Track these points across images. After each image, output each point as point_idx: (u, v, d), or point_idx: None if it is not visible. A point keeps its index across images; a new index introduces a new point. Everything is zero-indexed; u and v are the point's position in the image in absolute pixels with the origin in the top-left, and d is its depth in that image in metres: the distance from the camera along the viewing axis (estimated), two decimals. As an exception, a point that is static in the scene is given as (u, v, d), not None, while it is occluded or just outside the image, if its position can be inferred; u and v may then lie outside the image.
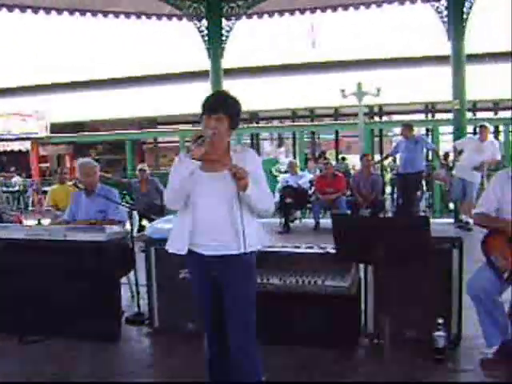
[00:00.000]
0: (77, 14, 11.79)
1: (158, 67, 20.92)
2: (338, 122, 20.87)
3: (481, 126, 9.95)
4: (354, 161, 17.71)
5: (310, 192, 10.97)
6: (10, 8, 11.12)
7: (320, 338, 4.28)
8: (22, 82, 22.35)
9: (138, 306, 5.26)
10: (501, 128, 17.70)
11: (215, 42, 12.08)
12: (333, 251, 3.76)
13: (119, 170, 19.11)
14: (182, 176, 3.00)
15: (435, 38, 13.05)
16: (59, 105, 20.31)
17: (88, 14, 11.95)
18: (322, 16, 13.84)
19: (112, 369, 4.30)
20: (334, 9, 12.53)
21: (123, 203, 5.74)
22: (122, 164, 19.53)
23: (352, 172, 14.51)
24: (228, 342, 3.10)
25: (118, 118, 20.38)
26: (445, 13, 11.23)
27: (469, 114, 15.01)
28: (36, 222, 6.64)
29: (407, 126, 10.52)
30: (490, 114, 19.61)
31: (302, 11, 12.66)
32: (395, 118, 21.52)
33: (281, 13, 12.68)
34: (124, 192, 11.78)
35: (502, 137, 17.32)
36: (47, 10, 11.51)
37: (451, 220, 10.98)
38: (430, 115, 20.55)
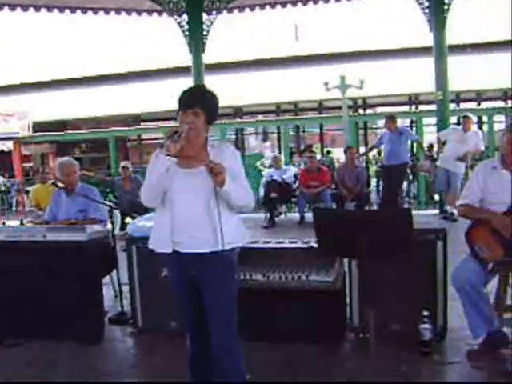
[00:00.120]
0: (55, 10, 11.63)
1: (139, 64, 20.78)
2: (323, 115, 20.83)
3: (464, 117, 9.95)
4: (339, 154, 17.70)
5: (294, 186, 10.92)
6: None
7: (305, 333, 4.24)
8: (3, 81, 22.10)
9: (121, 305, 5.20)
10: (484, 118, 17.74)
11: (196, 37, 12.01)
12: (316, 245, 3.71)
13: (103, 168, 18.96)
14: (158, 172, 2.94)
15: (417, 29, 13.04)
16: (41, 104, 20.14)
17: (67, 11, 11.80)
18: (304, 9, 13.80)
19: (95, 370, 4.22)
20: (316, 1, 12.48)
21: (104, 202, 5.64)
22: (107, 162, 19.36)
23: (337, 165, 14.48)
24: (210, 339, 3.06)
25: (101, 115, 20.22)
26: (426, 4, 11.22)
27: (452, 105, 15.06)
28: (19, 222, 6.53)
29: (391, 118, 10.50)
30: (474, 105, 19.66)
31: (284, 4, 12.62)
32: (379, 110, 21.53)
33: (262, 6, 12.64)
34: (107, 190, 11.70)
35: (485, 127, 17.35)
36: (25, 7, 11.38)
37: (436, 211, 10.98)
38: (413, 107, 20.58)
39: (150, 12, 12.59)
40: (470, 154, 9.66)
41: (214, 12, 12.03)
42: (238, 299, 3.15)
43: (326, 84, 14.22)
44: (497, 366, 3.81)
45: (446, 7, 10.99)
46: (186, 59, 12.65)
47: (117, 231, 6.50)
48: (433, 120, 12.27)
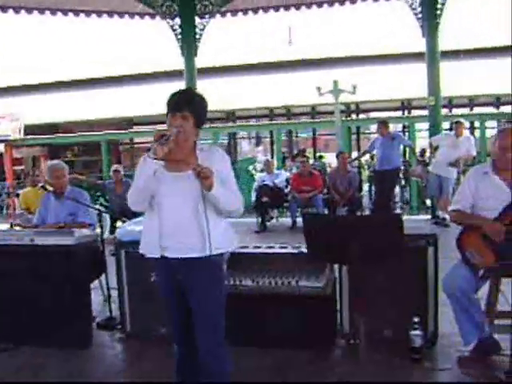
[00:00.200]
0: (47, 12, 11.58)
1: (132, 67, 20.72)
2: (315, 120, 20.82)
3: (456, 122, 9.96)
4: (332, 159, 17.69)
5: (286, 191, 10.88)
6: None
7: (295, 339, 4.21)
8: (-5, 84, 22.01)
9: (110, 310, 5.15)
10: (476, 124, 17.77)
11: (189, 41, 11.98)
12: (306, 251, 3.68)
13: (95, 172, 18.87)
14: (145, 176, 2.91)
15: (410, 34, 13.07)
16: (33, 106, 20.02)
17: (59, 14, 11.74)
18: (298, 14, 13.80)
19: (83, 375, 4.17)
20: (309, 6, 12.49)
21: (93, 206, 5.59)
22: (99, 165, 19.28)
23: (329, 170, 14.46)
24: (197, 344, 3.03)
25: (93, 118, 20.13)
26: (419, 9, 11.26)
27: (445, 111, 15.10)
28: (9, 225, 6.48)
29: (383, 123, 10.51)
30: (466, 110, 19.70)
31: (277, 8, 12.61)
32: (372, 115, 21.54)
33: (255, 11, 12.63)
34: (98, 194, 11.63)
35: (477, 133, 17.39)
36: (16, 10, 11.31)
37: (428, 216, 10.98)
38: (406, 112, 20.61)
39: (142, 15, 12.55)
40: (462, 159, 9.67)
41: (206, 16, 12.01)
42: (227, 304, 3.12)
43: (319, 89, 14.19)
44: (488, 373, 3.78)
45: (438, 12, 11.05)
46: (179, 63, 12.63)
47: (106, 235, 6.47)
48: (425, 125, 12.29)
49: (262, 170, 13.02)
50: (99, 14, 12.17)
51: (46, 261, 4.59)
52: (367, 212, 11.21)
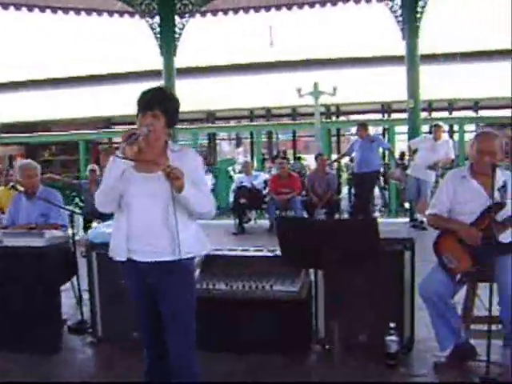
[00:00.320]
0: (24, 9, 11.38)
1: (111, 66, 20.53)
2: (296, 121, 20.79)
3: (435, 125, 9.98)
4: (311, 161, 17.66)
5: (264, 192, 10.79)
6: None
7: (269, 344, 4.12)
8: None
9: (81, 313, 5.02)
10: (455, 127, 17.87)
11: (168, 40, 11.86)
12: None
13: (73, 171, 18.64)
14: (114, 176, 2.82)
15: (391, 38, 13.09)
16: (10, 104, 19.73)
17: (36, 10, 11.55)
18: (278, 15, 13.76)
19: (52, 381, 4.05)
20: (289, 7, 12.44)
21: (65, 206, 5.45)
22: (77, 165, 19.04)
23: (308, 171, 14.43)
24: (167, 348, 2.97)
25: (72, 117, 19.89)
26: (399, 12, 11.26)
27: (424, 114, 15.14)
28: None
29: (362, 126, 10.50)
30: (445, 114, 19.81)
31: (257, 9, 12.54)
32: (352, 117, 21.57)
33: (235, 11, 12.55)
34: (74, 194, 11.46)
35: (456, 136, 17.48)
36: (-8, 5, 11.12)
37: (407, 219, 10.98)
38: (386, 115, 20.66)
39: (121, 13, 12.40)
40: (441, 162, 9.69)
41: (186, 15, 11.89)
42: (200, 308, 3.06)
43: (299, 90, 14.16)
44: (464, 379, 3.74)
45: (418, 16, 11.05)
46: (158, 62, 12.50)
47: (79, 236, 6.35)
48: (405, 128, 12.29)
49: (240, 172, 12.92)
50: (77, 11, 12.00)
51: (15, 263, 4.47)
52: (346, 214, 11.17)
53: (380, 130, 19.33)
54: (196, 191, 2.85)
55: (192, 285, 3.08)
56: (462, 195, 3.91)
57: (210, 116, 20.84)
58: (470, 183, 3.90)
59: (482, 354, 3.69)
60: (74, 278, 5.30)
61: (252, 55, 20.85)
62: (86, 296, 4.90)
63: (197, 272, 4.22)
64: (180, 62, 12.83)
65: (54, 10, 11.76)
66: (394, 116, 19.31)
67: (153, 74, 13.99)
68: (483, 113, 19.37)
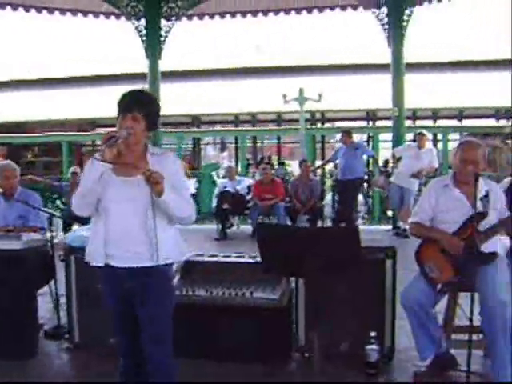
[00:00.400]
0: (8, 8, 11.25)
1: (96, 67, 20.40)
2: (281, 127, 20.79)
3: (419, 134, 9.99)
4: (296, 167, 17.66)
5: (248, 198, 10.73)
6: None
7: (249, 351, 4.06)
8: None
9: (58, 318, 4.92)
10: (439, 136, 17.97)
11: (153, 43, 11.81)
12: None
13: (56, 173, 18.45)
14: (91, 179, 2.76)
15: (377, 45, 13.14)
16: (-7, 104, 19.55)
17: (21, 9, 11.42)
18: (265, 20, 13.76)
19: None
20: (276, 13, 12.43)
21: (44, 209, 5.36)
22: (60, 167, 18.88)
23: (292, 177, 14.39)
24: (143, 356, 2.91)
25: (55, 119, 19.72)
26: (385, 20, 11.29)
27: (409, 122, 15.18)
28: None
29: (346, 133, 10.49)
30: (429, 123, 19.91)
31: (244, 14, 12.52)
32: (337, 124, 21.61)
33: (222, 15, 12.50)
34: (55, 196, 11.33)
35: (440, 145, 17.58)
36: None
37: (389, 227, 10.99)
38: (371, 122, 20.73)
39: (107, 15, 12.31)
40: (424, 171, 9.70)
41: (172, 18, 11.84)
42: (179, 315, 3.02)
43: (285, 96, 14.15)
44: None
45: (404, 24, 11.09)
46: (143, 65, 12.44)
47: (58, 239, 6.24)
48: (389, 136, 12.32)
49: (224, 177, 12.86)
50: (63, 11, 11.90)
51: (-11, 266, 4.37)
52: (329, 221, 11.15)
53: (364, 137, 19.39)
54: (176, 196, 2.81)
55: (170, 291, 3.04)
56: (444, 204, 3.88)
57: (195, 120, 20.78)
58: (453, 192, 3.87)
59: (463, 364, 3.62)
60: (52, 282, 5.21)
61: (238, 60, 20.84)
62: (63, 300, 4.82)
63: (177, 278, 4.17)
64: (165, 65, 12.78)
65: (39, 9, 11.64)
66: (379, 124, 19.39)
67: (138, 77, 13.90)
68: (467, 122, 19.50)
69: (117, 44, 19.76)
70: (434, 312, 3.85)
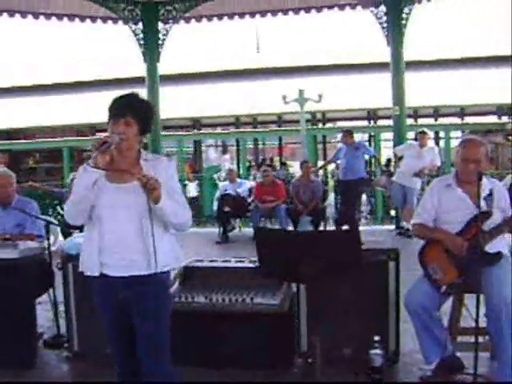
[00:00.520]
0: (5, 14, 11.19)
1: (95, 72, 20.37)
2: (282, 128, 20.74)
3: (420, 132, 9.91)
4: (298, 167, 17.60)
5: (249, 200, 10.64)
6: None
7: (250, 358, 3.98)
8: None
9: (57, 326, 4.86)
10: (441, 134, 17.90)
11: (151, 46, 11.77)
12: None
13: (58, 179, 18.42)
14: (84, 186, 2.69)
15: (376, 44, 13.07)
16: (-7, 111, 19.55)
17: (17, 15, 11.37)
18: (264, 21, 13.71)
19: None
20: (274, 13, 12.37)
21: (41, 216, 5.28)
22: (61, 172, 18.85)
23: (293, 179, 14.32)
24: (140, 365, 2.85)
25: (56, 124, 19.71)
26: (384, 18, 11.21)
27: (410, 121, 15.12)
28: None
29: (347, 132, 10.41)
30: (431, 121, 19.83)
31: (242, 16, 12.45)
32: (339, 124, 21.55)
33: (219, 17, 12.44)
34: (56, 202, 11.28)
35: (442, 143, 17.51)
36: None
37: (392, 227, 10.91)
38: (372, 122, 20.66)
39: (104, 19, 12.25)
40: (427, 169, 9.62)
41: (170, 21, 11.79)
42: (179, 322, 2.97)
43: (285, 97, 14.10)
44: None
45: (403, 22, 11.01)
46: (142, 69, 12.39)
47: (59, 245, 6.18)
48: (391, 135, 12.25)
49: (225, 179, 12.80)
50: (60, 17, 11.83)
51: (-14, 275, 4.31)
52: (331, 222, 11.07)
53: (366, 136, 19.33)
54: (172, 202, 2.75)
55: (168, 299, 2.98)
56: (446, 204, 3.81)
57: (196, 123, 20.73)
58: (456, 192, 3.80)
59: (469, 367, 3.56)
60: (51, 290, 5.14)
61: (237, 62, 20.79)
62: (63, 308, 4.76)
63: (176, 284, 4.10)
64: (164, 68, 12.73)
65: (36, 15, 11.57)
66: (380, 123, 19.31)
67: (137, 81, 13.84)
68: (469, 119, 19.42)
69: (115, 48, 19.70)
70: (438, 314, 3.78)
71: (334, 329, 3.80)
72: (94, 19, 12.32)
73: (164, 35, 11.82)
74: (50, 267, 4.86)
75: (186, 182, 13.83)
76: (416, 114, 19.17)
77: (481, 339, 3.61)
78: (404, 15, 11.02)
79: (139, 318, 2.81)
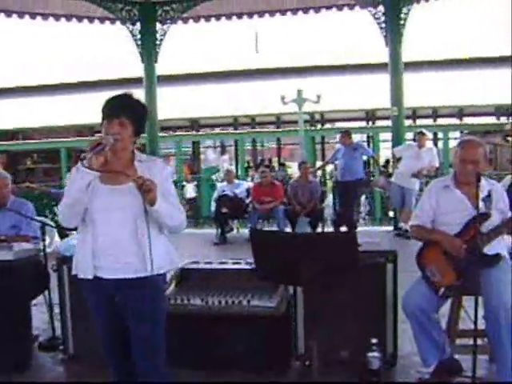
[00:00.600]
0: (2, 14, 11.16)
1: (93, 73, 20.33)
2: (280, 129, 20.72)
3: (419, 133, 9.88)
4: (296, 168, 17.58)
5: (247, 201, 10.59)
6: None
7: (247, 361, 3.94)
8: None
9: (53, 329, 4.81)
10: (440, 135, 17.89)
11: (149, 47, 11.75)
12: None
13: (56, 179, 18.39)
14: (78, 188, 2.65)
15: (375, 45, 13.05)
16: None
17: (14, 16, 11.34)
18: (261, 21, 13.69)
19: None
20: (272, 14, 12.34)
21: (36, 218, 5.23)
22: (59, 173, 18.82)
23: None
24: (134, 369, 2.83)
25: (54, 125, 19.69)
26: (382, 19, 11.18)
27: (409, 121, 15.09)
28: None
29: (345, 133, 10.37)
30: (430, 121, 19.81)
31: (239, 16, 12.43)
32: (337, 125, 21.53)
33: (217, 17, 12.41)
34: (53, 203, 11.22)
35: (440, 144, 17.50)
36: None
37: (391, 228, 10.87)
38: (370, 122, 20.64)
39: (102, 20, 12.22)
40: (425, 170, 9.58)
41: (168, 21, 11.76)
42: (175, 324, 2.97)
43: (283, 98, 14.05)
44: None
45: (402, 23, 10.98)
46: (140, 69, 12.36)
47: (51, 248, 6.15)
48: (389, 136, 12.22)
49: (222, 180, 12.76)
50: (57, 17, 11.81)
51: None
52: (329, 223, 11.03)
53: (364, 137, 19.31)
54: (167, 204, 2.72)
55: (163, 301, 2.95)
56: (445, 205, 3.77)
57: (194, 124, 20.71)
58: (454, 193, 3.76)
59: (468, 370, 3.53)
60: (47, 292, 5.10)
61: (235, 62, 20.77)
62: (58, 310, 4.72)
63: (172, 286, 4.07)
64: (162, 69, 12.70)
65: (33, 15, 11.54)
66: (379, 123, 19.29)
67: (134, 81, 13.83)
68: (467, 120, 19.41)
69: (112, 49, 19.67)
70: (436, 317, 3.73)
71: (332, 331, 3.76)
72: (91, 19, 12.29)
73: (162, 35, 11.81)
74: (45, 269, 4.81)
75: (184, 182, 13.80)
76: (414, 114, 19.15)
77: (479, 341, 3.56)
78: (402, 15, 11.00)
79: (134, 321, 2.78)
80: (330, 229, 10.54)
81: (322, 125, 21.53)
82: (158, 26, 11.79)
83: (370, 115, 20.34)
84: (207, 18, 12.43)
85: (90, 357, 4.31)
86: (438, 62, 19.10)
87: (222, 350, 3.96)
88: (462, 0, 19.76)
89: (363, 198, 12.64)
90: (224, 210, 10.23)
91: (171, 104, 16.27)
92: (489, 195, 3.58)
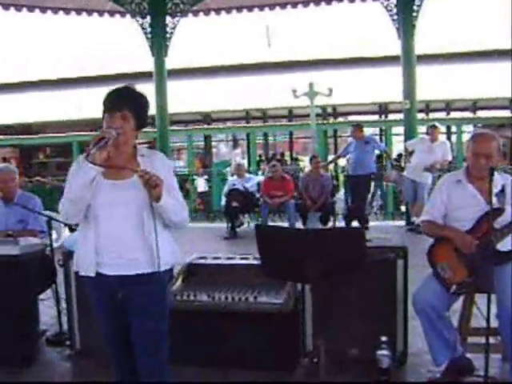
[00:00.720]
0: (12, 8, 11.15)
1: (103, 67, 20.33)
2: (292, 123, 20.62)
3: (431, 127, 9.74)
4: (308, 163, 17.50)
5: (257, 195, 10.52)
6: None
7: (254, 358, 3.88)
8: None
9: (60, 324, 4.79)
10: (453, 128, 17.71)
11: (159, 40, 11.66)
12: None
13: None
14: (81, 184, 2.59)
15: (387, 37, 12.91)
16: (3, 106, 19.56)
17: (24, 10, 11.32)
18: (272, 14, 13.57)
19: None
20: (283, 6, 12.23)
21: (43, 212, 5.20)
22: (72, 167, 18.87)
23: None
24: (137, 366, 2.78)
25: (66, 119, 19.72)
26: (394, 10, 11.03)
27: (421, 115, 14.94)
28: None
29: (357, 127, 10.26)
30: (443, 115, 19.63)
31: (250, 9, 12.34)
32: (350, 118, 21.40)
33: (228, 10, 12.32)
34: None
35: (454, 137, 17.32)
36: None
37: (403, 222, 10.76)
38: (383, 116, 20.49)
39: (112, 13, 12.19)
40: (438, 164, 9.46)
41: (178, 15, 11.68)
42: (181, 321, 2.99)
43: (295, 91, 13.95)
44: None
45: (414, 15, 10.82)
46: (150, 63, 12.31)
47: (59, 243, 6.12)
48: (402, 129, 12.09)
49: (233, 174, 12.71)
50: (67, 11, 11.80)
51: (-14, 272, 4.25)
52: (340, 218, 10.94)
53: (377, 130, 19.16)
54: (171, 199, 2.67)
55: (165, 299, 2.87)
56: (457, 200, 3.68)
57: (206, 117, 20.67)
58: (466, 188, 3.67)
59: (480, 369, 3.44)
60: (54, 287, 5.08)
61: (247, 56, 20.68)
62: (65, 305, 4.69)
63: (179, 281, 4.02)
64: (173, 62, 12.64)
65: (43, 9, 11.54)
66: (391, 117, 19.14)
67: (144, 75, 13.79)
68: (481, 113, 19.21)
69: (122, 42, 19.64)
70: (448, 314, 3.65)
71: (341, 328, 3.71)
72: (101, 13, 12.27)
73: (172, 29, 11.71)
74: (52, 263, 4.80)
75: (195, 176, 13.78)
76: (427, 107, 18.99)
77: (492, 340, 3.48)
78: (415, 7, 10.81)
79: (139, 317, 2.73)
80: (341, 223, 10.44)
81: (335, 118, 21.40)
82: (168, 19, 11.70)
83: (383, 108, 20.20)
84: (217, 11, 12.36)
85: (97, 352, 4.27)
86: (451, 54, 18.91)
87: (228, 347, 3.91)
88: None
89: (378, 191, 12.56)
90: (234, 204, 10.17)
91: (183, 98, 16.22)
92: (502, 190, 3.48)
